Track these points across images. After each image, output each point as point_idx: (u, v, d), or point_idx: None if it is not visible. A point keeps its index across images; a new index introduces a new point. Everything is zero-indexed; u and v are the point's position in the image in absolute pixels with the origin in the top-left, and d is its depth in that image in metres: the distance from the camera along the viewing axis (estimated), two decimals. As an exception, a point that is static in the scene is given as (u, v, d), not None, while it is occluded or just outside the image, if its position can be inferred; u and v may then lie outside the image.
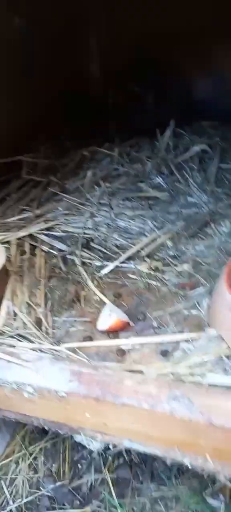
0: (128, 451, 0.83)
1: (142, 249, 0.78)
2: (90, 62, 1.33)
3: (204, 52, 1.14)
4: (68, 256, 0.80)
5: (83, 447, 0.75)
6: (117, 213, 0.87)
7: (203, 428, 0.47)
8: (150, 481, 0.83)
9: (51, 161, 1.04)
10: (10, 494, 0.84)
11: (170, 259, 0.76)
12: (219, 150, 1.00)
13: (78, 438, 0.56)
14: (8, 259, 0.75)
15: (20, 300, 0.69)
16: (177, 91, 1.11)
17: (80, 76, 1.30)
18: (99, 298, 0.70)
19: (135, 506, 0.80)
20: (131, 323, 0.65)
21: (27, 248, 0.82)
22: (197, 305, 0.67)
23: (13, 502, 0.83)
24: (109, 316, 0.64)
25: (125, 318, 0.65)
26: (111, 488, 0.81)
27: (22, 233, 0.83)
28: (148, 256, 0.77)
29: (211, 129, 1.08)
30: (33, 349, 0.57)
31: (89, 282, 0.73)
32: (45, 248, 0.81)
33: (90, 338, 0.63)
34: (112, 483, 0.82)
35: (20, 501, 0.83)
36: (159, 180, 0.93)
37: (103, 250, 0.80)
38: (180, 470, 0.82)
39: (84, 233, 0.83)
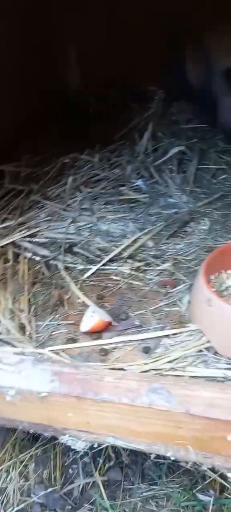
0: (119, 453, 0.84)
1: (124, 250, 0.79)
2: (69, 69, 1.35)
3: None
4: (51, 262, 0.81)
5: (75, 452, 0.75)
6: (99, 217, 0.88)
7: (181, 419, 0.48)
8: (141, 481, 0.83)
9: (32, 170, 1.05)
10: (1, 503, 0.83)
11: (151, 259, 0.77)
12: (198, 151, 1.02)
13: (63, 439, 0.57)
14: (-9, 268, 0.76)
15: (3, 307, 0.70)
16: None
17: (60, 84, 1.31)
18: (83, 301, 0.71)
19: (126, 507, 0.80)
20: (114, 323, 0.66)
21: (10, 255, 0.82)
22: (178, 302, 0.68)
23: (5, 511, 0.83)
24: (92, 317, 0.65)
25: (107, 318, 0.66)
26: (102, 490, 0.81)
27: (5, 241, 0.84)
28: (130, 257, 0.78)
29: (189, 131, 1.11)
30: (16, 353, 0.58)
31: (73, 286, 0.74)
32: (28, 254, 0.82)
33: (73, 340, 0.64)
34: (103, 485, 0.82)
35: (11, 510, 0.82)
36: (139, 183, 0.95)
37: (86, 254, 0.81)
38: (171, 469, 0.83)
39: (67, 238, 0.84)
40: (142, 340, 0.62)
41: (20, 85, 1.12)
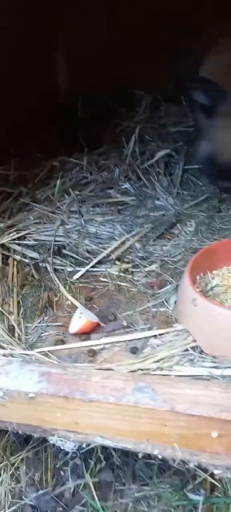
0: (110, 454, 0.84)
1: (112, 252, 0.80)
2: (58, 75, 1.36)
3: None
4: (40, 264, 0.81)
5: (66, 453, 0.76)
6: (87, 219, 0.89)
7: (167, 416, 0.49)
8: (132, 482, 0.84)
9: (22, 173, 1.06)
10: (-8, 507, 0.83)
11: (138, 261, 0.78)
12: (184, 154, 1.04)
13: (52, 440, 0.58)
14: (-20, 271, 0.76)
15: (-8, 309, 0.70)
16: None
17: (50, 88, 1.31)
18: (71, 303, 0.72)
19: (118, 508, 0.81)
20: (102, 324, 0.67)
21: (-1, 258, 0.83)
22: (165, 302, 0.69)
23: (-4, 514, 0.82)
24: (80, 319, 0.66)
25: (95, 319, 0.67)
26: (94, 492, 0.82)
27: (-6, 244, 0.84)
28: (118, 259, 0.79)
29: (176, 134, 1.13)
30: (4, 355, 0.59)
31: (62, 288, 0.75)
32: (17, 257, 0.83)
33: (62, 342, 0.65)
34: (94, 487, 0.82)
35: (3, 512, 0.82)
36: (127, 185, 0.96)
37: (75, 256, 0.82)
38: (161, 469, 0.83)
39: (56, 241, 0.85)
40: (130, 340, 0.63)
41: (14, 85, 1.11)
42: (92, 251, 0.82)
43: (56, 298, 0.74)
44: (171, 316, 0.67)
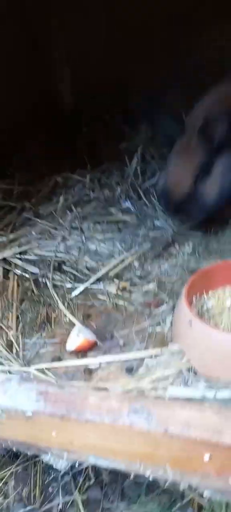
0: (99, 471, 0.84)
1: (111, 270, 0.82)
2: (60, 83, 1.36)
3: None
4: (40, 279, 0.83)
5: (55, 469, 0.76)
6: (88, 236, 0.91)
7: (160, 439, 0.50)
8: (121, 500, 0.84)
9: (25, 187, 1.08)
10: (-21, 521, 0.83)
11: (136, 279, 0.80)
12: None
13: (46, 458, 0.58)
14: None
15: (-9, 324, 0.71)
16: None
17: (53, 99, 1.32)
18: (69, 320, 0.73)
19: (106, 525, 0.81)
20: (99, 343, 0.68)
21: (0, 272, 0.84)
22: (161, 322, 0.70)
23: (-17, 529, 0.82)
24: (78, 337, 0.67)
25: (93, 338, 0.68)
26: (81, 510, 0.82)
27: (-4, 258, 0.85)
28: (116, 276, 0.81)
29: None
30: (2, 372, 0.60)
31: (60, 304, 0.76)
32: (18, 271, 0.84)
33: (59, 359, 0.66)
34: (83, 504, 0.82)
35: (-11, 528, 0.82)
36: (128, 204, 0.98)
37: (74, 272, 0.83)
38: (150, 487, 0.83)
39: (56, 256, 0.86)
40: (125, 360, 0.64)
41: (14, 86, 1.12)
42: (91, 268, 0.84)
43: (55, 315, 0.75)
44: (167, 336, 0.68)
